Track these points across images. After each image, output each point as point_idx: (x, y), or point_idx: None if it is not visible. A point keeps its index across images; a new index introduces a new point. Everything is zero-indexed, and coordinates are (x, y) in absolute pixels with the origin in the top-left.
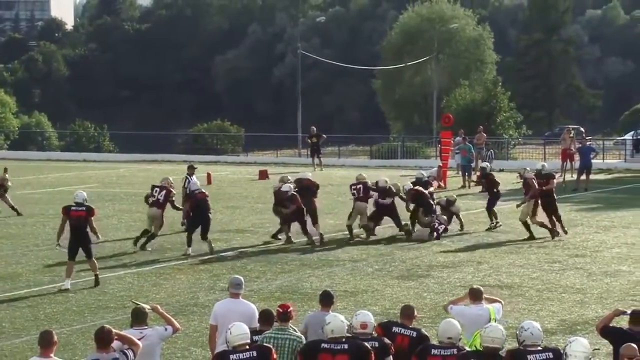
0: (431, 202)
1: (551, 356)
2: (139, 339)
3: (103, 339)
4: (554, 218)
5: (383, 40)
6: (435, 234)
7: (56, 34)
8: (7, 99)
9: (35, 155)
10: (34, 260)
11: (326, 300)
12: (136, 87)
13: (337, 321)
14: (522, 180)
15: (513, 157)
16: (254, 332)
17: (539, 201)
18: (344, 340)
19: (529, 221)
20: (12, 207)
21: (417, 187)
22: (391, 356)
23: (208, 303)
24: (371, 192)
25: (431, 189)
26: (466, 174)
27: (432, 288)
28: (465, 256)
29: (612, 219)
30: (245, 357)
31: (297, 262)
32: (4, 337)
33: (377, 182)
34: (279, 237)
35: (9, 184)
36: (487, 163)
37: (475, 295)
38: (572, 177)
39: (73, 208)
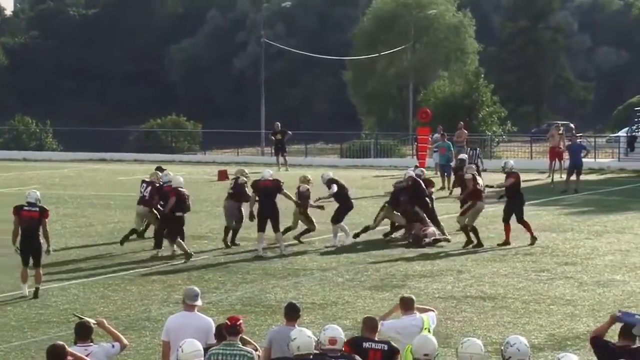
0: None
1: None
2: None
3: (58, 355)
4: (523, 222)
5: (354, 28)
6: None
7: None
8: None
9: None
10: None
11: (292, 313)
12: (82, 78)
13: (303, 337)
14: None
15: (497, 155)
16: (210, 349)
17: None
18: (311, 357)
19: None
20: None
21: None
22: None
23: (161, 317)
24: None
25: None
26: (445, 174)
27: None
28: (444, 264)
29: (605, 223)
30: None
31: (260, 272)
32: None
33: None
34: (301, 240)
35: None
36: (474, 164)
37: (406, 305)
38: (561, 177)
39: (25, 208)
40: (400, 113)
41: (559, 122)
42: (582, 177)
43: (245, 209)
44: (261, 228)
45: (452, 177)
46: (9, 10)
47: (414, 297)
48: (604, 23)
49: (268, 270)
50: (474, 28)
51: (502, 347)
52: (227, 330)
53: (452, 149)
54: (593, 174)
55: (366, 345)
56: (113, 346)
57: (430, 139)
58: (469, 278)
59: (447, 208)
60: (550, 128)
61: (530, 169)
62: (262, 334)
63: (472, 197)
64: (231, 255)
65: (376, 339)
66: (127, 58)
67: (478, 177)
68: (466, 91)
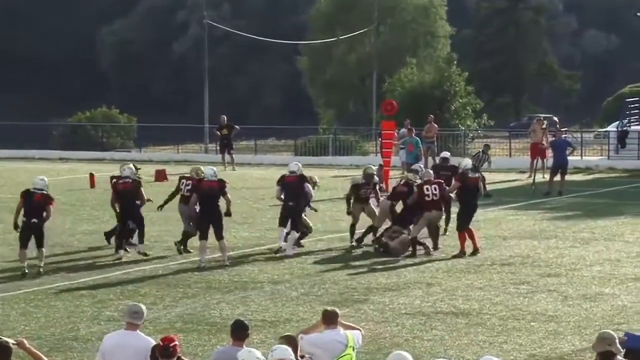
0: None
1: None
2: None
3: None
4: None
5: (310, 8)
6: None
7: None
8: None
9: None
10: None
11: (239, 331)
12: (1, 66)
13: (252, 358)
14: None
15: (471, 152)
16: None
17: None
18: None
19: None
20: None
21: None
22: None
23: (91, 336)
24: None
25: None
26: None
27: (371, 316)
28: (412, 276)
29: (593, 229)
30: None
31: (203, 285)
32: None
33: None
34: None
35: None
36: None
37: (329, 318)
38: (543, 177)
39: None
40: (362, 105)
41: (541, 115)
42: (567, 178)
43: None
44: (203, 235)
45: None
46: None
47: (337, 311)
48: (592, 3)
49: (212, 284)
50: (445, 9)
51: None
52: (160, 353)
53: (420, 145)
54: (579, 173)
55: None
56: None
57: (396, 134)
58: (439, 292)
59: None
60: (531, 122)
61: (509, 168)
62: (206, 355)
63: (419, 208)
64: (170, 267)
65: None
66: (52, 43)
67: (430, 186)
68: (437, 80)
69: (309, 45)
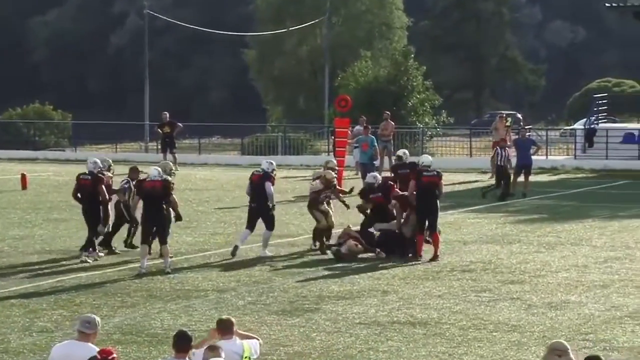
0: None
1: None
2: None
3: None
4: None
5: None
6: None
7: None
8: None
9: None
10: None
11: (182, 343)
12: None
13: None
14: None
15: (430, 152)
16: None
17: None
18: None
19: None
20: None
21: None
22: None
23: (22, 348)
24: None
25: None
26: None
27: (323, 326)
28: (367, 283)
29: (559, 233)
30: None
31: (144, 293)
32: None
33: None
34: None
35: None
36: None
37: (225, 328)
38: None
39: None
40: (313, 101)
41: (504, 112)
42: (532, 178)
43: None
44: (145, 240)
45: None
46: None
47: (233, 320)
48: None
49: (153, 292)
50: None
51: None
52: None
53: (375, 144)
54: (544, 174)
55: None
56: None
57: (349, 132)
58: (396, 300)
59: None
60: (494, 119)
61: (469, 169)
62: None
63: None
64: (108, 274)
65: None
66: None
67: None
68: (393, 75)
69: (256, 37)
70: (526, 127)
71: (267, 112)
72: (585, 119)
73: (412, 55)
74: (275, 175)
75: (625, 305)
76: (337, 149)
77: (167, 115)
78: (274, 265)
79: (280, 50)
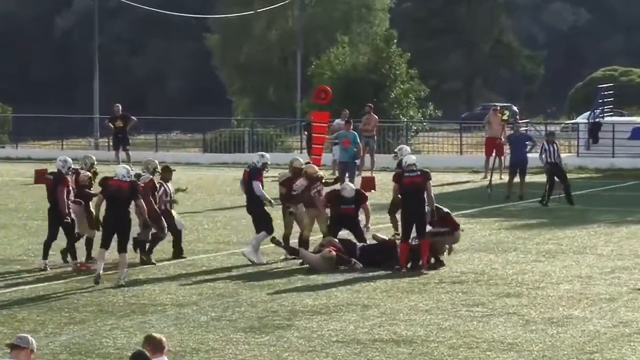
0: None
1: None
2: None
3: None
4: None
5: None
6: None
7: None
8: None
9: None
10: None
11: None
12: None
13: None
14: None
15: (415, 148)
16: None
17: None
18: None
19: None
20: None
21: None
22: None
23: None
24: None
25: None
26: (347, 174)
27: (296, 345)
28: (345, 297)
29: (560, 240)
30: None
31: (94, 308)
32: None
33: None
34: None
35: None
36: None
37: (155, 346)
38: (501, 178)
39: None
40: (284, 91)
41: (498, 104)
42: (530, 179)
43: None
44: (105, 244)
45: (359, 179)
46: None
47: (163, 338)
48: None
49: (105, 306)
50: None
51: None
52: None
53: (358, 141)
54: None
55: None
56: None
57: (329, 127)
58: (377, 315)
59: None
60: (487, 112)
61: (459, 168)
62: None
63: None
64: (54, 287)
65: None
66: None
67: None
68: (373, 62)
69: (220, 19)
70: (522, 121)
71: (232, 104)
72: (589, 112)
73: (395, 41)
74: (267, 170)
75: (635, 321)
76: (314, 145)
77: (120, 107)
78: (241, 276)
79: (247, 34)
